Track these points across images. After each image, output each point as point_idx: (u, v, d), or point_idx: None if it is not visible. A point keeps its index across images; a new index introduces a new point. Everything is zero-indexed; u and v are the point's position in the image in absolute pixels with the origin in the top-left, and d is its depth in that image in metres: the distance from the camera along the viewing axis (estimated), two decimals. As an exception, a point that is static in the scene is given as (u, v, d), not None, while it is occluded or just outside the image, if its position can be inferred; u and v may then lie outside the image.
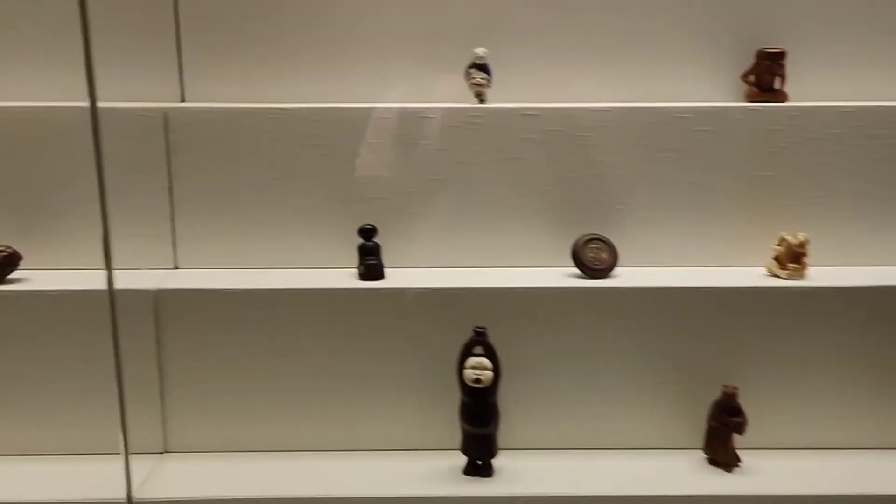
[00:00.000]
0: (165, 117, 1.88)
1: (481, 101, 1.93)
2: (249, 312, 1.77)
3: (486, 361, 1.66)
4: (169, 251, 1.92)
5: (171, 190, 1.90)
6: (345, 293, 1.78)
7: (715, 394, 1.73)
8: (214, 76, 2.00)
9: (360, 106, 1.91)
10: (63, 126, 1.87)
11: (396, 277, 1.85)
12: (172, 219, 1.91)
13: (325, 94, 1.96)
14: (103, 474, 1.69)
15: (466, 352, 1.68)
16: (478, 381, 1.65)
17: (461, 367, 1.67)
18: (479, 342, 1.67)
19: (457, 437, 1.71)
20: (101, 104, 1.83)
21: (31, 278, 1.83)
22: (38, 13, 1.97)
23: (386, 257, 1.86)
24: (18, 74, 1.98)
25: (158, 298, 1.76)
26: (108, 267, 1.46)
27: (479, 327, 1.67)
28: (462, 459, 1.72)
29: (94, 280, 1.76)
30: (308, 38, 2.00)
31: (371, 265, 1.84)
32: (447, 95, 1.94)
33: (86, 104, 1.83)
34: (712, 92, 2.00)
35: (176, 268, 1.93)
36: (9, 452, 1.79)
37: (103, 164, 1.43)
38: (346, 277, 1.85)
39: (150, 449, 1.78)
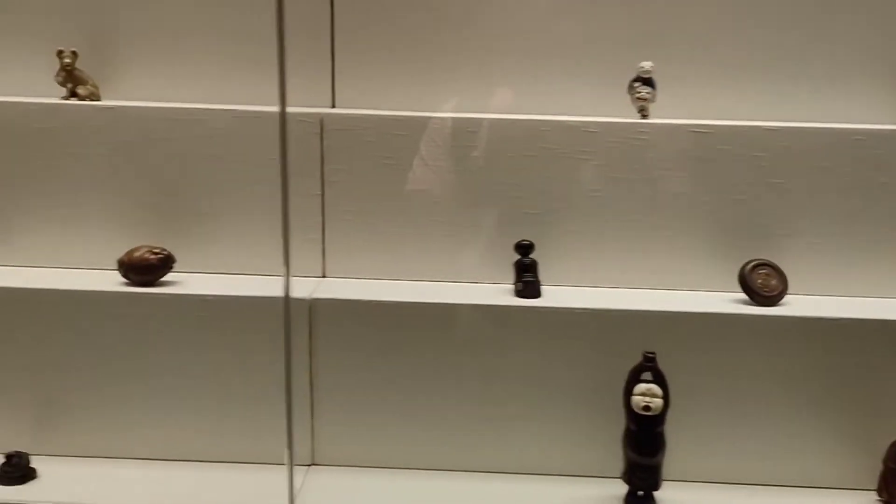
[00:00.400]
0: (322, 123, 1.85)
1: (644, 116, 1.86)
2: (402, 325, 1.73)
3: (655, 388, 1.59)
4: (318, 259, 1.89)
5: (322, 196, 1.87)
6: (501, 310, 1.74)
7: (893, 433, 1.64)
8: (365, 82, 1.97)
9: (517, 118, 1.85)
10: (214, 129, 1.85)
11: (554, 296, 1.79)
12: (323, 226, 1.88)
13: (481, 104, 1.91)
14: (257, 485, 1.67)
15: (635, 377, 1.61)
16: (647, 408, 1.58)
17: (629, 393, 1.60)
18: (648, 368, 1.60)
19: (617, 464, 1.64)
20: (260, 108, 1.83)
21: (184, 281, 1.81)
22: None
23: (541, 274, 1.80)
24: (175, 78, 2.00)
25: (312, 308, 1.73)
26: (287, 274, 1.43)
27: (648, 352, 1.60)
28: (622, 488, 1.65)
29: (251, 285, 1.76)
30: (464, 46, 1.94)
31: (528, 282, 1.78)
32: (608, 110, 1.87)
33: (248, 108, 1.84)
34: (889, 114, 1.90)
35: (324, 276, 1.90)
36: (150, 457, 1.77)
37: (288, 173, 1.40)
38: (500, 294, 1.80)
39: (298, 461, 1.73)
